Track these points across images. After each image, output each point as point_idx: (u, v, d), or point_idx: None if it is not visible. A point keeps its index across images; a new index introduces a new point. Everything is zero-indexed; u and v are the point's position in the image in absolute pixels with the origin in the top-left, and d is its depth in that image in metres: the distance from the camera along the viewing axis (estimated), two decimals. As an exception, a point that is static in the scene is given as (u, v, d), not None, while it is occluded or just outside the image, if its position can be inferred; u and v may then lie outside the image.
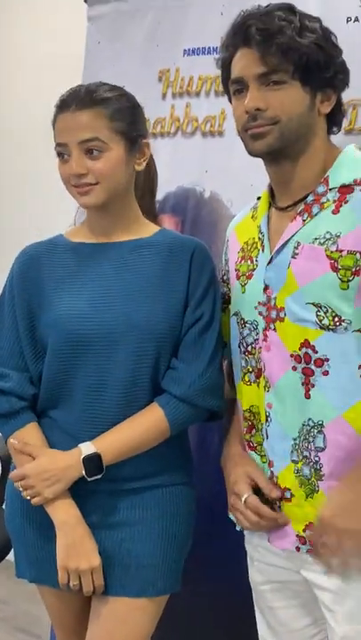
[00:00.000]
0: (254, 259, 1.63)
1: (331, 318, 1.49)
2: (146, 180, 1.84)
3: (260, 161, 1.59)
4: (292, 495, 1.57)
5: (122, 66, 2.28)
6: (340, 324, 1.49)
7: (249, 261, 1.65)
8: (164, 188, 2.20)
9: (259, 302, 1.60)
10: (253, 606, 1.80)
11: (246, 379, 1.68)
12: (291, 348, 1.54)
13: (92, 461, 1.64)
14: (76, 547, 1.66)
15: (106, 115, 1.62)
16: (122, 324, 1.66)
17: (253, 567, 1.75)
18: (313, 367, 1.52)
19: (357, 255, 1.45)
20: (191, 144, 2.17)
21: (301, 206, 1.54)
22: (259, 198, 1.71)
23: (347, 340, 1.50)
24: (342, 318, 1.48)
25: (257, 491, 1.61)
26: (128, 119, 1.65)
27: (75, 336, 1.68)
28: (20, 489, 1.67)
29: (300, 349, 1.53)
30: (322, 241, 1.49)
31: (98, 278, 1.71)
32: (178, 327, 1.68)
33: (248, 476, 1.63)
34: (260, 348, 1.61)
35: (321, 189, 1.53)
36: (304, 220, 1.53)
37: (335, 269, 1.47)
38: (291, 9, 1.49)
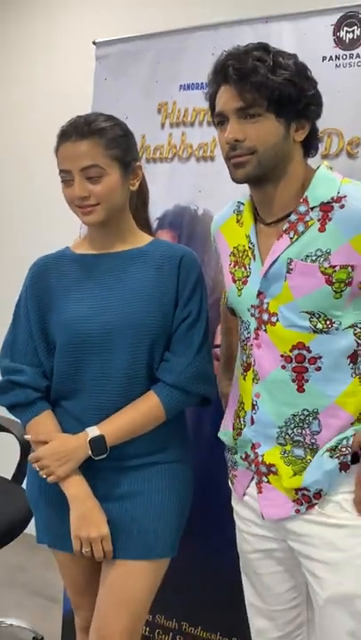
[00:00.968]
0: (247, 266, 1.63)
1: (324, 322, 1.50)
2: (139, 195, 1.84)
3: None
4: (277, 470, 1.58)
5: (126, 99, 2.28)
6: (332, 326, 1.51)
7: (243, 268, 1.65)
8: (162, 207, 2.24)
9: (252, 305, 1.61)
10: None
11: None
12: (282, 349, 1.55)
13: (97, 442, 1.66)
14: (86, 518, 1.68)
15: (102, 143, 1.64)
16: (118, 323, 1.68)
17: (241, 537, 1.76)
18: (307, 365, 1.54)
19: (349, 269, 1.46)
20: (186, 168, 2.18)
21: (286, 225, 1.54)
22: (240, 202, 1.70)
23: (338, 337, 1.52)
24: (333, 321, 1.50)
25: None
26: (122, 146, 1.67)
27: (79, 336, 1.71)
28: (37, 469, 1.69)
29: (290, 351, 1.54)
30: (314, 258, 1.49)
31: (98, 285, 1.73)
32: (169, 324, 1.71)
33: None
34: (252, 345, 1.60)
35: (303, 209, 1.53)
36: (291, 238, 1.52)
37: (330, 283, 1.48)
38: (266, 48, 1.49)
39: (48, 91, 3.32)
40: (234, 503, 1.76)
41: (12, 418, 2.73)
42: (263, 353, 1.59)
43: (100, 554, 1.68)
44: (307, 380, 1.54)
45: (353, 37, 1.92)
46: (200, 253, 1.90)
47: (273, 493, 1.60)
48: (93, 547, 1.68)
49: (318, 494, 1.54)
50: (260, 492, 1.63)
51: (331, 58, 1.95)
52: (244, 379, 1.66)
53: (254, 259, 1.61)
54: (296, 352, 1.53)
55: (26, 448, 2.66)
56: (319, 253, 1.48)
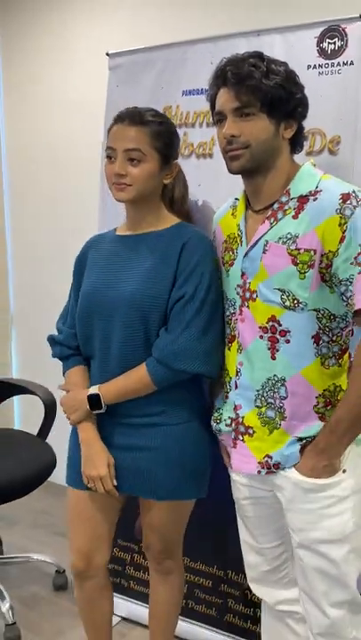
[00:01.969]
0: (235, 250, 1.64)
1: (291, 301, 1.50)
2: (175, 190, 1.83)
3: (239, 177, 1.60)
4: (254, 432, 1.59)
5: (135, 103, 2.20)
6: (298, 305, 1.50)
7: (231, 252, 1.66)
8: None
9: (237, 285, 1.61)
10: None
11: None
12: (259, 322, 1.55)
13: (94, 399, 1.70)
14: (91, 459, 1.72)
15: (148, 133, 1.64)
16: (117, 299, 1.69)
17: (235, 486, 1.78)
18: (278, 336, 1.54)
19: (312, 252, 1.46)
20: (188, 164, 2.16)
21: (269, 212, 1.55)
22: (237, 199, 1.70)
23: (303, 317, 1.51)
24: (300, 301, 1.50)
25: None
26: (165, 141, 1.67)
27: (89, 307, 1.74)
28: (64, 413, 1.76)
29: (267, 323, 1.54)
30: (284, 240, 1.50)
31: (115, 263, 1.75)
32: (164, 302, 1.67)
33: None
34: (237, 319, 1.61)
35: (284, 199, 1.54)
36: (271, 224, 1.53)
37: (295, 264, 1.48)
38: (260, 56, 1.49)
39: (66, 97, 3.30)
40: (225, 457, 1.78)
41: (38, 382, 2.77)
42: (245, 326, 1.60)
43: (101, 490, 1.73)
44: (278, 350, 1.55)
45: (334, 48, 1.90)
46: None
47: (244, 451, 1.63)
48: (96, 484, 1.72)
49: (277, 465, 1.58)
50: (234, 446, 1.66)
51: (315, 66, 1.92)
52: (229, 349, 1.68)
53: (241, 244, 1.62)
54: (270, 324, 1.55)
55: (49, 409, 2.68)
56: (289, 237, 1.50)
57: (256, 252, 1.56)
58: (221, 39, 2.11)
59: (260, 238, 1.55)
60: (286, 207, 1.53)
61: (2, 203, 3.69)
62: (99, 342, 1.73)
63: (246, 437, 1.63)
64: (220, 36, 2.12)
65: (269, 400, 1.58)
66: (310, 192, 1.51)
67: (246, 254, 1.58)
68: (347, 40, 1.88)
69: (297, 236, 1.49)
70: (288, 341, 1.53)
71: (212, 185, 2.13)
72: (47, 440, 2.67)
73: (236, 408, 1.65)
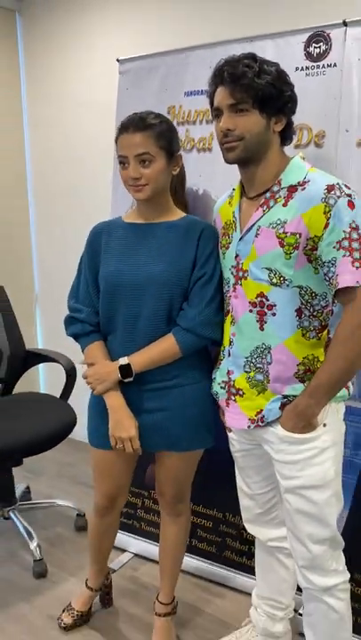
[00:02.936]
0: (230, 235, 1.63)
1: (278, 278, 1.49)
2: (179, 179, 1.83)
3: (235, 168, 1.58)
4: (244, 393, 1.60)
5: (143, 105, 2.22)
6: (284, 282, 1.49)
7: (227, 237, 1.65)
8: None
9: (232, 266, 1.61)
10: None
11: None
12: (249, 297, 1.55)
13: (125, 369, 1.68)
14: (119, 423, 1.71)
15: (153, 135, 1.62)
16: (143, 279, 1.67)
17: (230, 441, 1.79)
18: (266, 310, 1.54)
19: (297, 236, 1.45)
20: (190, 157, 2.14)
21: (262, 200, 1.53)
22: (234, 189, 1.69)
23: (288, 292, 1.50)
24: (285, 278, 1.49)
25: None
26: (168, 139, 1.65)
27: (114, 286, 1.71)
28: (88, 385, 1.74)
29: (256, 298, 1.53)
30: (274, 225, 1.49)
31: (135, 248, 1.72)
32: (185, 282, 1.68)
33: None
34: (230, 296, 1.61)
35: (276, 188, 1.52)
36: (263, 211, 1.52)
37: (282, 245, 1.47)
38: (254, 57, 1.46)
39: (83, 99, 3.26)
40: (221, 417, 1.77)
41: (60, 352, 2.78)
42: (238, 302, 1.59)
43: (129, 449, 1.72)
44: (265, 322, 1.54)
45: (319, 52, 1.87)
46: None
47: (236, 410, 1.64)
48: (125, 444, 1.72)
49: (262, 419, 1.58)
50: (227, 406, 1.66)
51: (302, 68, 1.89)
52: (224, 322, 1.67)
53: (236, 229, 1.60)
54: (259, 299, 1.54)
55: (70, 374, 2.69)
56: (278, 222, 1.48)
57: (250, 236, 1.55)
58: (218, 45, 2.08)
59: (253, 224, 1.54)
60: (277, 196, 1.51)
61: (27, 194, 3.67)
62: (123, 318, 1.71)
63: (238, 398, 1.63)
64: (217, 42, 2.09)
65: (258, 365, 1.57)
66: (299, 182, 1.49)
67: (241, 238, 1.57)
68: (331, 44, 1.85)
69: (285, 222, 1.47)
70: (274, 314, 1.53)
71: (211, 175, 2.11)
72: (68, 401, 2.68)
73: (228, 373, 1.65)
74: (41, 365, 3.73)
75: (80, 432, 2.57)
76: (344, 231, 1.40)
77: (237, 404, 1.63)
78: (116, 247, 1.75)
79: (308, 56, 1.89)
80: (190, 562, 2.36)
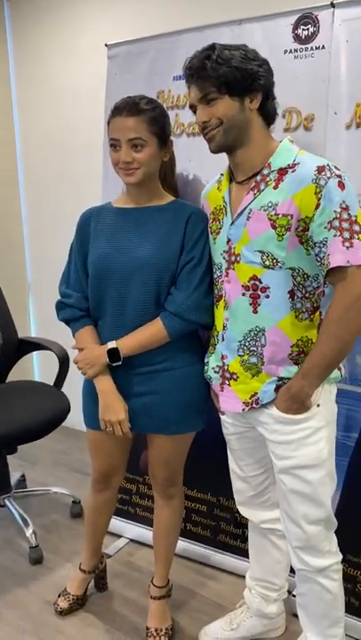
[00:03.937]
0: (221, 220, 1.62)
1: (271, 260, 1.49)
2: (169, 164, 1.82)
3: (224, 154, 1.59)
4: (238, 377, 1.60)
5: (132, 89, 2.21)
6: (277, 264, 1.49)
7: (217, 222, 1.64)
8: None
9: (223, 250, 1.61)
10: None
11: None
12: (242, 281, 1.55)
13: (113, 353, 1.68)
14: (109, 407, 1.72)
15: (146, 121, 1.61)
16: (132, 262, 1.67)
17: (223, 424, 1.80)
18: (259, 292, 1.53)
19: (289, 217, 1.45)
20: (179, 142, 2.13)
21: (253, 183, 1.53)
22: (222, 175, 1.69)
23: (281, 274, 1.50)
24: (278, 260, 1.48)
25: None
26: (160, 124, 1.64)
27: (102, 270, 1.70)
28: (79, 370, 1.74)
29: (248, 281, 1.54)
30: (266, 208, 1.49)
31: (123, 232, 1.71)
32: (173, 266, 1.67)
33: None
34: (223, 281, 1.61)
35: (266, 171, 1.52)
36: (255, 194, 1.51)
37: (274, 227, 1.47)
38: (213, 47, 1.48)
39: (71, 84, 3.24)
40: (215, 401, 1.78)
41: (52, 339, 2.77)
42: (231, 286, 1.59)
43: (119, 432, 1.74)
44: (259, 304, 1.54)
45: (308, 34, 1.85)
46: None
47: (230, 394, 1.64)
48: (114, 427, 1.73)
49: (257, 401, 1.59)
50: (222, 390, 1.67)
51: (290, 51, 1.88)
52: (217, 307, 1.68)
53: (226, 214, 1.60)
54: (252, 282, 1.54)
55: (63, 362, 2.68)
56: (270, 205, 1.48)
57: (241, 219, 1.54)
58: (207, 28, 2.06)
59: (245, 208, 1.54)
60: (268, 179, 1.51)
61: (17, 183, 3.65)
62: (112, 302, 1.71)
63: (232, 382, 1.63)
64: (206, 25, 2.07)
65: (252, 348, 1.58)
66: (289, 165, 1.48)
67: (233, 222, 1.57)
68: (319, 26, 1.84)
69: (277, 204, 1.47)
70: (268, 296, 1.53)
71: (201, 160, 2.10)
72: (62, 389, 2.68)
73: (222, 357, 1.65)
74: (35, 353, 3.73)
75: (74, 420, 2.58)
76: (335, 211, 1.40)
77: (232, 387, 1.63)
78: (104, 232, 1.74)
79: (297, 38, 1.87)
80: (185, 546, 2.37)
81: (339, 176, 1.42)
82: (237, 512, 1.96)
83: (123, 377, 1.74)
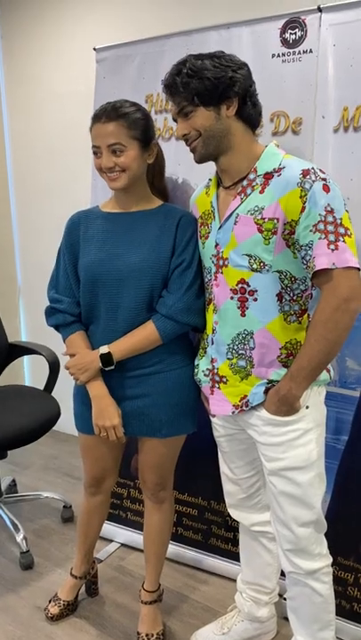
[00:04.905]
0: (209, 225, 1.63)
1: (258, 264, 1.50)
2: (157, 167, 1.82)
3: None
4: (227, 380, 1.60)
5: (120, 93, 2.22)
6: (264, 267, 1.50)
7: (206, 227, 1.65)
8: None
9: (212, 255, 1.61)
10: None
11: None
12: (230, 284, 1.56)
13: (106, 357, 1.68)
14: (103, 412, 1.71)
15: (125, 125, 1.61)
16: (125, 268, 1.67)
17: (213, 426, 1.80)
18: (247, 296, 1.54)
19: (275, 220, 1.46)
20: (169, 146, 2.14)
21: (239, 188, 1.54)
22: (210, 180, 1.70)
23: (268, 277, 1.51)
24: (265, 263, 1.49)
25: None
26: (141, 127, 1.64)
27: (94, 275, 1.70)
28: (70, 375, 1.74)
29: (236, 285, 1.54)
30: (252, 212, 1.50)
31: (114, 236, 1.71)
32: (165, 270, 1.68)
33: None
34: (212, 285, 1.62)
35: (252, 176, 1.53)
36: (241, 199, 1.53)
37: (261, 231, 1.48)
38: (184, 62, 1.49)
39: (58, 88, 3.24)
40: (205, 404, 1.78)
41: (42, 344, 2.77)
42: (220, 290, 1.60)
43: (112, 437, 1.74)
44: (247, 308, 1.55)
45: (295, 38, 1.87)
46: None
47: (220, 397, 1.65)
48: (108, 432, 1.73)
49: (247, 404, 1.59)
50: (212, 393, 1.67)
51: (278, 55, 1.89)
52: (207, 311, 1.68)
53: (214, 218, 1.61)
54: (240, 286, 1.54)
55: (53, 367, 2.68)
56: (256, 209, 1.49)
57: (229, 224, 1.55)
58: (195, 32, 2.07)
59: (232, 212, 1.55)
60: (254, 183, 1.52)
61: (7, 187, 3.64)
62: (104, 308, 1.71)
63: (222, 385, 1.64)
64: (194, 29, 2.08)
65: (240, 352, 1.58)
66: (275, 169, 1.49)
67: (221, 227, 1.57)
68: (306, 30, 1.85)
69: (263, 208, 1.48)
70: (256, 300, 1.54)
71: (190, 164, 2.06)
72: (52, 394, 2.68)
73: (212, 361, 1.66)
74: (25, 358, 3.72)
75: (64, 424, 2.58)
76: (320, 214, 1.41)
77: (221, 390, 1.64)
78: (94, 237, 1.74)
79: (285, 42, 1.88)
80: (176, 550, 2.37)
81: (324, 179, 1.43)
82: (228, 515, 1.96)
83: (115, 380, 1.74)
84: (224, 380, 1.62)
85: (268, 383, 1.56)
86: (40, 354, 2.70)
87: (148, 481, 1.90)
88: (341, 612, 1.97)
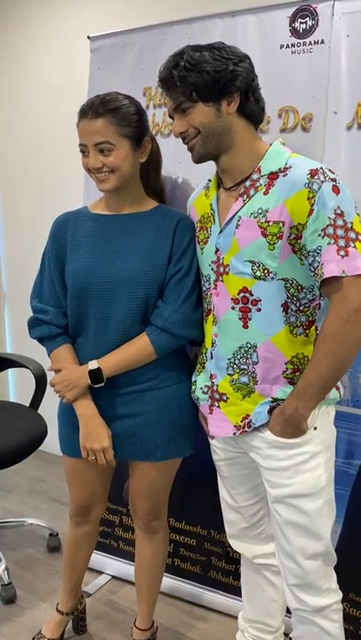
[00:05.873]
0: (208, 229, 1.64)
1: (262, 271, 1.50)
2: (152, 165, 1.82)
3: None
4: (228, 398, 1.60)
5: (116, 85, 2.22)
6: (268, 275, 1.50)
7: (205, 231, 1.65)
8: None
9: (212, 261, 1.61)
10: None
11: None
12: (232, 293, 1.56)
13: (95, 374, 1.66)
14: (91, 433, 1.69)
15: (114, 122, 1.59)
16: (117, 275, 1.65)
17: (212, 450, 1.80)
18: (250, 306, 1.54)
19: (280, 224, 1.46)
20: (168, 142, 2.14)
21: (242, 189, 1.54)
22: (209, 180, 1.70)
23: (273, 286, 1.51)
24: (270, 270, 1.49)
25: None
26: (133, 124, 1.62)
27: (83, 283, 1.68)
28: (56, 393, 1.71)
29: (238, 294, 1.54)
30: (256, 215, 1.50)
31: (105, 241, 1.69)
32: (161, 278, 1.66)
33: None
34: (212, 294, 1.62)
35: (255, 176, 1.53)
36: (244, 201, 1.53)
37: (265, 235, 1.48)
38: (181, 54, 1.49)
39: (52, 80, 3.26)
40: (204, 424, 1.78)
41: (29, 356, 2.77)
42: (219, 299, 1.60)
43: (102, 461, 1.72)
44: (250, 319, 1.55)
45: (306, 27, 1.88)
46: (179, 213, 1.87)
47: (220, 416, 1.64)
48: (97, 455, 1.71)
49: (249, 424, 1.59)
50: (211, 412, 1.67)
51: (287, 45, 1.90)
52: (206, 322, 1.68)
53: (214, 222, 1.61)
54: (242, 295, 1.54)
55: (40, 381, 2.68)
56: (260, 211, 1.49)
57: (230, 228, 1.56)
58: (198, 20, 2.08)
59: (233, 215, 1.55)
60: (258, 184, 1.52)
61: (-7, 185, 3.66)
62: (94, 319, 1.69)
63: (221, 404, 1.64)
64: (196, 17, 2.09)
65: (242, 367, 1.58)
66: (280, 169, 1.50)
67: (221, 231, 1.58)
68: (318, 19, 1.86)
69: (267, 210, 1.48)
70: (259, 310, 1.54)
71: (190, 162, 2.06)
72: (39, 411, 2.67)
73: (211, 377, 1.66)
74: (10, 371, 3.72)
75: (51, 443, 2.56)
76: (329, 218, 1.41)
77: (221, 409, 1.63)
78: (83, 241, 1.72)
79: (294, 32, 1.90)
80: (172, 583, 2.36)
81: (333, 180, 1.43)
82: (230, 546, 1.95)
83: (104, 398, 1.73)
84: (224, 397, 1.62)
85: (272, 402, 1.55)
86: (26, 367, 2.70)
87: (140, 509, 1.89)
88: (353, 653, 1.96)
